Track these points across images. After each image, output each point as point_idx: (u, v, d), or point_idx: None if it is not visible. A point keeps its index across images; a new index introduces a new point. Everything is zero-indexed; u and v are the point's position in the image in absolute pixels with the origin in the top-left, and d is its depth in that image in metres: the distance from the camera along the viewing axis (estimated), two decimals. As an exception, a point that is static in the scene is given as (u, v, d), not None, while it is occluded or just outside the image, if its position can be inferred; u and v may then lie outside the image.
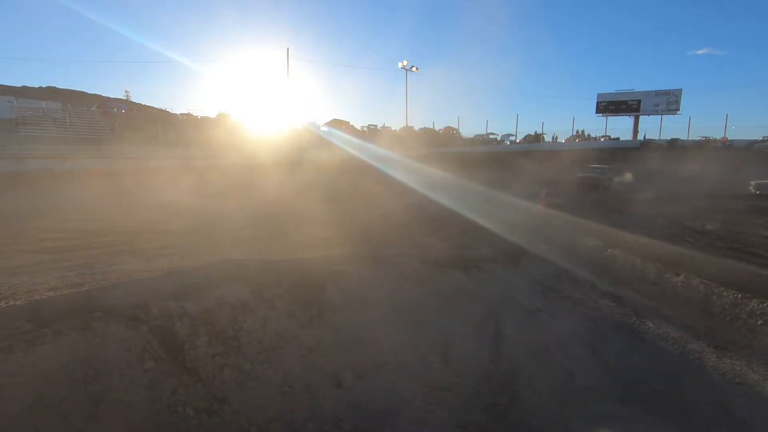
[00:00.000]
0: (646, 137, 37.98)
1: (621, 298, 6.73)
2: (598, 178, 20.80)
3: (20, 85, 42.64)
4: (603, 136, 40.11)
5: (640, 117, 39.01)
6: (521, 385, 4.43)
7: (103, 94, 42.92)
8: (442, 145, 34.51)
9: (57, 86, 45.75)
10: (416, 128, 40.17)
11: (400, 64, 37.06)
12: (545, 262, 8.19)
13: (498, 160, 27.46)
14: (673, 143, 35.35)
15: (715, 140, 35.19)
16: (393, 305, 5.44)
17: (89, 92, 43.80)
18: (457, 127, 43.90)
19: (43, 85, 46.42)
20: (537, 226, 10.88)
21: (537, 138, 41.42)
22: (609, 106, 39.99)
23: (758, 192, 18.35)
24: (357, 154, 25.55)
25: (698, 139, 35.98)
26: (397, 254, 7.03)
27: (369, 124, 42.15)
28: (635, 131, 39.29)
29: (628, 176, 23.05)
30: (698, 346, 5.27)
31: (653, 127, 39.77)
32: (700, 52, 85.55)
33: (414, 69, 37.14)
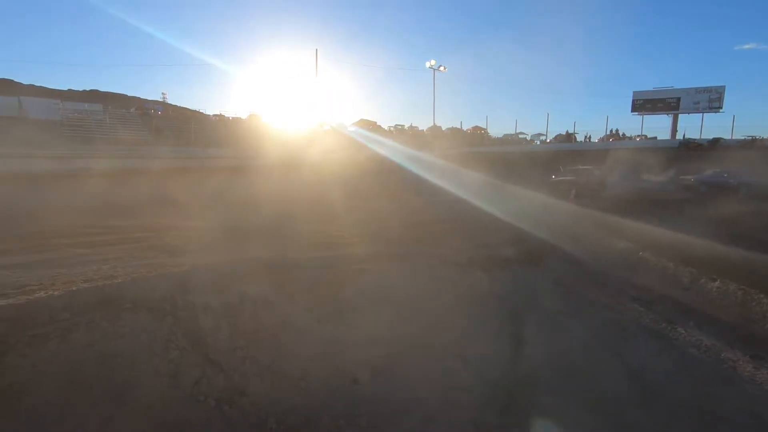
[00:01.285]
0: (686, 136, 36.29)
1: (650, 302, 6.48)
2: (576, 182, 18.15)
3: (66, 89, 45.01)
4: (639, 136, 38.64)
5: (680, 115, 37.33)
6: (541, 389, 4.35)
7: (141, 96, 44.70)
8: (469, 145, 34.17)
9: (100, 89, 48.04)
10: (443, 128, 39.92)
11: (427, 64, 36.92)
12: (570, 264, 8.00)
13: (527, 160, 26.89)
14: (715, 143, 33.56)
15: (763, 139, 33.22)
16: (411, 304, 5.45)
17: (129, 95, 45.70)
18: (485, 127, 43.34)
19: (87, 89, 48.84)
20: (564, 225, 10.63)
21: (568, 138, 40.33)
22: (645, 104, 38.43)
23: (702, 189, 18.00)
24: (383, 154, 25.65)
25: (743, 138, 34.07)
26: (418, 253, 7.03)
27: (396, 124, 42.21)
28: (674, 130, 37.60)
29: (665, 176, 21.95)
30: (733, 354, 5.02)
31: (693, 126, 37.94)
32: (746, 47, 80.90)
33: (442, 68, 36.90)
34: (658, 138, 36.97)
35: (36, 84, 40.40)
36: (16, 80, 42.50)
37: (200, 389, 3.48)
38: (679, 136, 36.17)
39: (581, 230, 10.30)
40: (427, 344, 4.78)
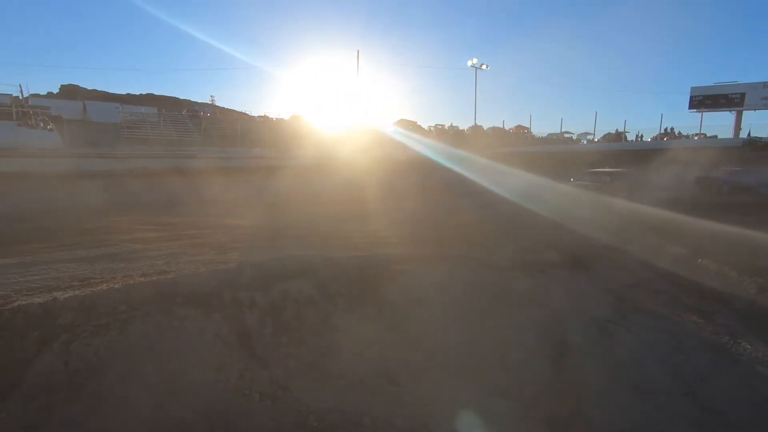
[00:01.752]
0: (751, 135, 33.60)
1: (710, 314, 6.06)
2: (597, 188, 16.83)
3: (124, 93, 48.20)
4: (697, 134, 36.20)
5: (744, 112, 34.61)
6: (587, 400, 4.17)
7: (192, 99, 47.04)
8: (511, 145, 33.36)
9: (154, 93, 51.10)
10: (485, 128, 39.23)
11: (469, 63, 36.39)
12: (620, 269, 7.61)
13: (572, 160, 25.90)
14: (785, 141, 30.85)
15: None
16: (450, 307, 5.39)
17: (181, 98, 48.20)
18: (528, 126, 42.13)
19: (143, 92, 51.98)
20: (611, 227, 10.14)
21: (618, 137, 38.43)
22: (705, 100, 35.90)
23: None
24: (423, 154, 25.56)
25: (819, 136, 31.12)
26: (458, 255, 6.93)
27: (436, 124, 41.94)
28: (737, 128, 34.90)
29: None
30: (806, 374, 4.59)
31: (760, 124, 34.92)
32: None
33: (483, 67, 36.26)
34: (719, 137, 34.48)
35: (98, 89, 43.46)
36: (80, 85, 45.93)
37: (245, 383, 3.60)
38: (743, 135, 33.57)
39: (630, 233, 9.79)
40: (468, 349, 4.70)
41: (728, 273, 7.23)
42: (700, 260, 7.98)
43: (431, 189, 16.10)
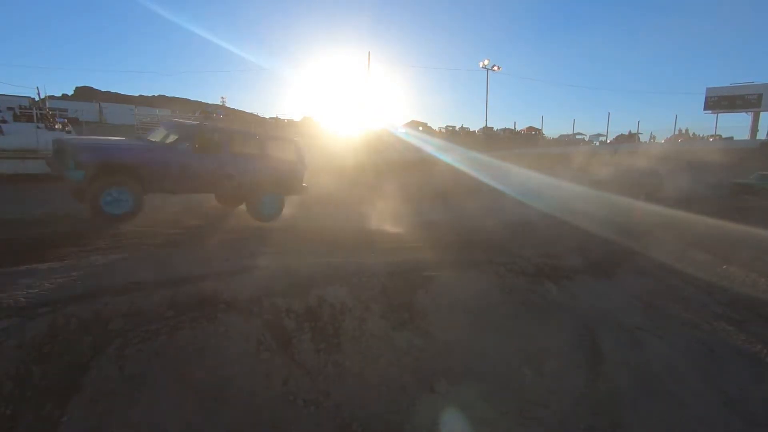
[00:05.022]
0: (769, 136, 33.15)
1: (740, 321, 6.02)
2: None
3: (137, 94, 48.80)
4: (712, 136, 35.78)
5: (761, 113, 34.14)
6: (625, 409, 4.18)
7: (202, 101, 47.51)
8: (522, 147, 33.22)
9: (166, 95, 51.64)
10: (496, 128, 39.13)
11: (481, 64, 36.30)
12: (645, 275, 7.59)
13: (584, 161, 25.71)
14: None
15: None
16: (482, 313, 5.41)
17: (192, 99, 48.73)
18: (539, 127, 41.90)
19: (155, 94, 52.57)
20: (634, 231, 10.08)
21: (631, 138, 38.10)
22: (721, 101, 35.46)
23: None
24: (434, 155, 25.51)
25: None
26: (484, 261, 6.95)
27: (447, 125, 41.89)
28: (754, 129, 34.46)
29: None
30: None
31: (779, 125, 34.57)
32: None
33: (496, 68, 36.13)
34: (735, 138, 34.06)
35: (111, 90, 44.11)
36: (94, 87, 46.62)
37: (289, 389, 3.66)
38: (760, 136, 33.11)
39: (653, 238, 9.72)
40: (501, 355, 4.72)
41: (756, 279, 7.17)
42: (725, 266, 7.91)
43: (446, 191, 16.07)
